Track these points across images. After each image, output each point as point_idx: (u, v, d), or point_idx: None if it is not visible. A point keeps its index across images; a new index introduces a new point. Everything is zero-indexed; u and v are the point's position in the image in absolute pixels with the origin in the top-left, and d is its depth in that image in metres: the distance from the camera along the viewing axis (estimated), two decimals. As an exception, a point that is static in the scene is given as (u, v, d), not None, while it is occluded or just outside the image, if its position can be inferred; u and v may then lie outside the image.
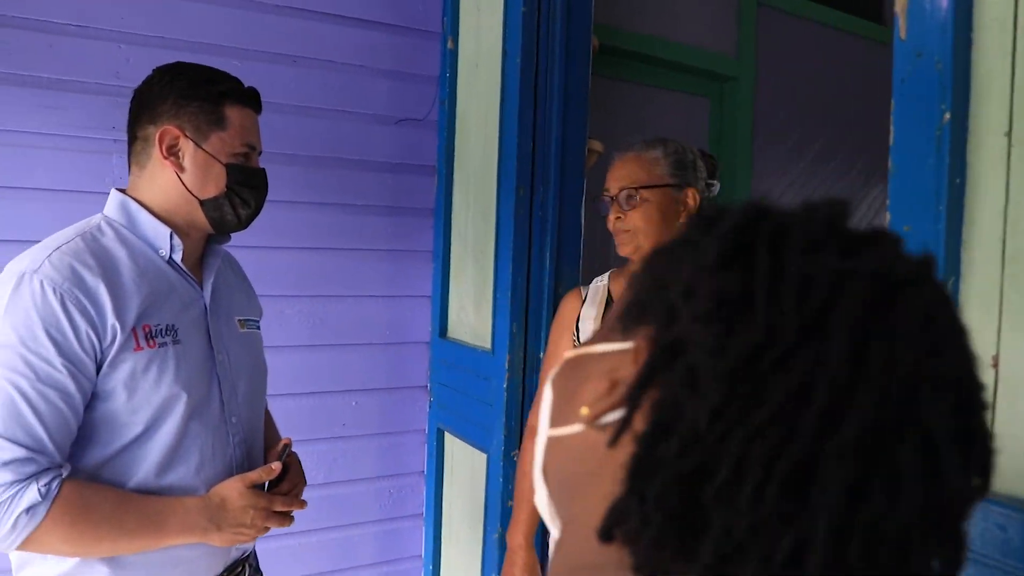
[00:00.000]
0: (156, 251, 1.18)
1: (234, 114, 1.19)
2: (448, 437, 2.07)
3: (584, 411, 0.47)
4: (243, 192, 1.22)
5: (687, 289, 0.41)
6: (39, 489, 0.98)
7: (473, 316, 1.96)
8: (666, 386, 0.40)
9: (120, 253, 1.13)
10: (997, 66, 0.81)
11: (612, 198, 1.47)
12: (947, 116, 0.83)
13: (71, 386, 1.03)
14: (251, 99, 1.23)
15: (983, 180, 0.82)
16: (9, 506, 0.96)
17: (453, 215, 2.07)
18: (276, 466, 1.21)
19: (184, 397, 1.13)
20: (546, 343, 1.75)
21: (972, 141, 0.83)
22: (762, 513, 0.35)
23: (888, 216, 0.89)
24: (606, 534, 0.42)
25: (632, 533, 0.41)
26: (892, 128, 0.89)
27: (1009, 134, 0.80)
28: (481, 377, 1.85)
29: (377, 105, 2.26)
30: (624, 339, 0.47)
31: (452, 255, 2.07)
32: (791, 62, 3.03)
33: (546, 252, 1.76)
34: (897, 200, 0.87)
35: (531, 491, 1.56)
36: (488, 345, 1.85)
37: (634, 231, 1.45)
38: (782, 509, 0.35)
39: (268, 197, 1.89)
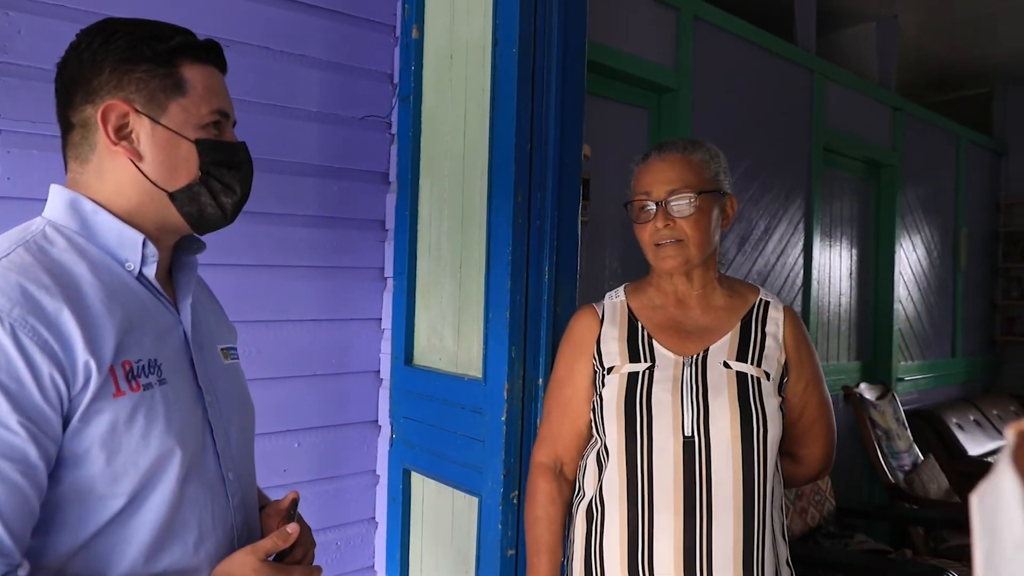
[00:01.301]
0: (121, 264, 0.89)
1: (194, 74, 0.92)
2: (417, 479, 1.81)
3: None
4: (223, 175, 0.95)
5: None
6: None
7: (451, 341, 1.72)
8: None
9: (79, 268, 0.85)
10: None
11: (657, 203, 1.31)
12: None
13: (31, 453, 0.74)
14: (213, 54, 0.95)
15: None
16: None
17: (419, 227, 1.82)
18: (293, 528, 0.93)
19: (178, 453, 0.86)
20: (546, 368, 1.56)
21: None
22: None
23: None
24: None
25: None
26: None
27: None
28: (467, 409, 1.62)
29: (317, 101, 1.99)
30: None
31: (419, 273, 1.82)
32: (724, 77, 3.04)
33: (544, 266, 1.57)
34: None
35: (551, 537, 1.36)
36: (476, 373, 1.63)
37: (685, 242, 1.29)
38: None
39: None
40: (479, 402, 1.59)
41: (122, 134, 0.88)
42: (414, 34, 1.82)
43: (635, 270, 2.80)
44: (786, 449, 1.35)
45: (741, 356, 1.30)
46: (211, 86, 0.94)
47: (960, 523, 3.08)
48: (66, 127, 0.92)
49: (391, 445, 1.87)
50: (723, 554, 1.22)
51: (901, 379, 4.09)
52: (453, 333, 1.72)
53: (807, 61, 3.46)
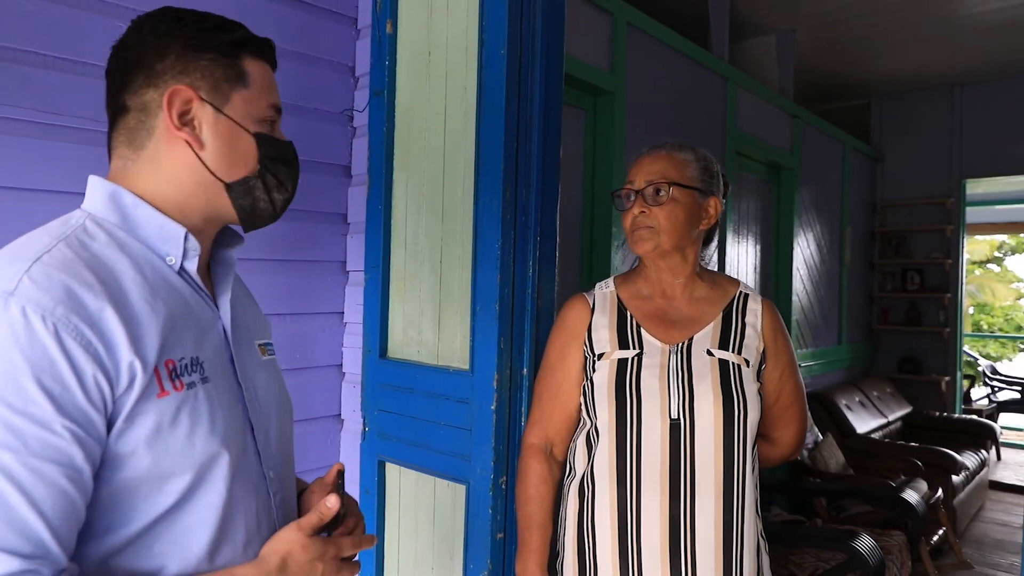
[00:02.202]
0: (162, 258, 0.89)
1: (254, 68, 0.93)
2: (393, 469, 1.83)
3: None
4: (279, 170, 0.96)
5: None
6: None
7: (431, 334, 1.76)
8: None
9: (121, 263, 0.83)
10: None
11: (637, 192, 1.42)
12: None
13: (76, 456, 0.73)
14: (270, 51, 0.97)
15: None
16: None
17: (394, 222, 1.84)
18: (334, 500, 0.92)
19: (225, 454, 0.86)
20: (531, 359, 1.63)
21: None
22: None
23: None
24: None
25: None
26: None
27: None
28: (452, 400, 1.67)
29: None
30: None
31: (393, 266, 1.84)
32: (652, 82, 3.20)
33: (529, 260, 1.63)
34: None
35: (543, 514, 1.43)
36: (461, 364, 1.67)
37: (657, 228, 1.40)
38: None
39: None
40: (466, 392, 1.64)
41: (185, 120, 0.88)
42: (388, 29, 1.83)
43: (567, 266, 2.92)
44: (762, 431, 1.48)
45: (723, 344, 1.42)
46: (268, 81, 0.95)
47: (856, 493, 3.41)
48: (120, 111, 0.89)
49: (363, 438, 1.88)
50: (706, 528, 1.34)
51: (799, 365, 4.44)
52: (433, 326, 1.76)
53: (723, 70, 3.69)
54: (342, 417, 2.11)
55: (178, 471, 0.80)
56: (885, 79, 5.44)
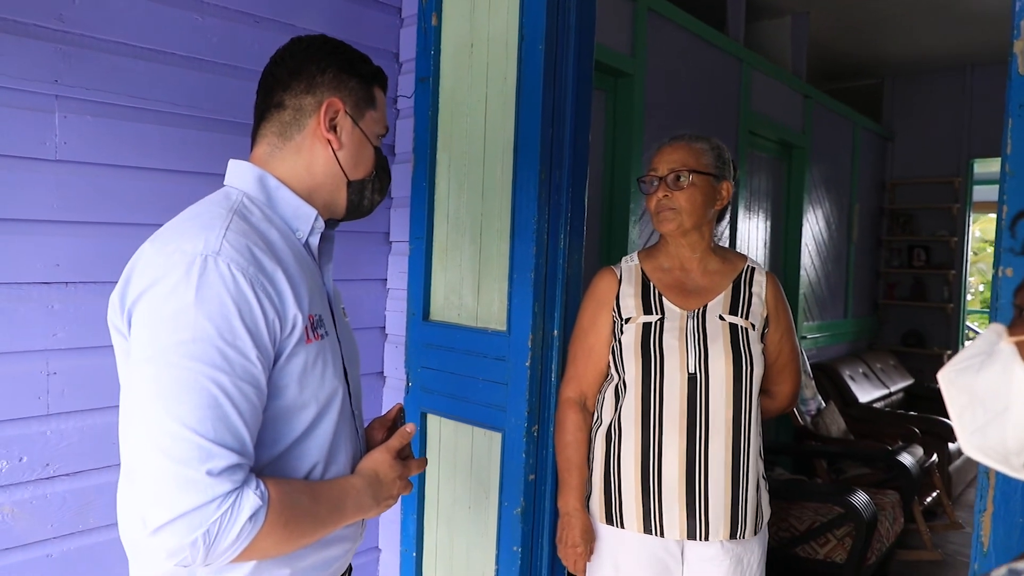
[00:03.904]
0: (292, 232, 1.10)
1: (380, 97, 1.17)
2: (433, 419, 2.05)
3: None
4: (383, 178, 1.20)
5: None
6: (256, 493, 0.90)
7: (471, 299, 1.97)
8: None
9: (272, 234, 1.04)
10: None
11: (661, 178, 1.61)
12: (1065, 137, 1.08)
13: (263, 380, 0.95)
14: (387, 84, 1.20)
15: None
16: (232, 516, 0.87)
17: (436, 198, 2.04)
18: (412, 427, 1.20)
19: (340, 391, 1.09)
20: (562, 321, 1.83)
21: (1076, 158, 1.09)
22: None
23: (1006, 208, 1.12)
24: None
25: None
26: (1010, 141, 1.12)
27: (1107, 154, 1.07)
28: (490, 358, 1.88)
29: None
30: None
31: (435, 238, 2.04)
32: (670, 64, 3.35)
33: (560, 234, 1.83)
34: (1013, 197, 1.11)
35: (580, 457, 1.65)
36: (498, 326, 1.88)
37: (679, 210, 1.60)
38: None
39: (209, 170, 1.83)
40: (503, 351, 1.85)
41: (331, 125, 1.08)
42: (433, 22, 2.01)
43: (588, 238, 3.10)
44: (763, 386, 1.69)
45: (733, 311, 1.62)
46: (385, 109, 1.18)
47: (855, 456, 3.62)
48: (276, 106, 1.09)
49: (407, 392, 2.10)
50: (716, 466, 1.55)
51: (804, 337, 4.64)
52: (472, 292, 1.96)
53: (738, 52, 3.83)
54: (385, 374, 2.33)
55: (311, 403, 1.02)
56: (898, 60, 5.55)
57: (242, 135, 1.89)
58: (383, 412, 2.31)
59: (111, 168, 1.69)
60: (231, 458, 0.88)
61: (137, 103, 1.73)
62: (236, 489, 0.88)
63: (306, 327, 1.01)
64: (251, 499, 0.89)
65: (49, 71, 1.61)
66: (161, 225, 1.69)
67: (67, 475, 1.64)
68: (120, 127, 1.70)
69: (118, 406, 1.68)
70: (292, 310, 0.98)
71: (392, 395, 2.31)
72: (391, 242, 2.32)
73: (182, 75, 1.80)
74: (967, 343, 6.07)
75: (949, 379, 0.72)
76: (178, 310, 0.88)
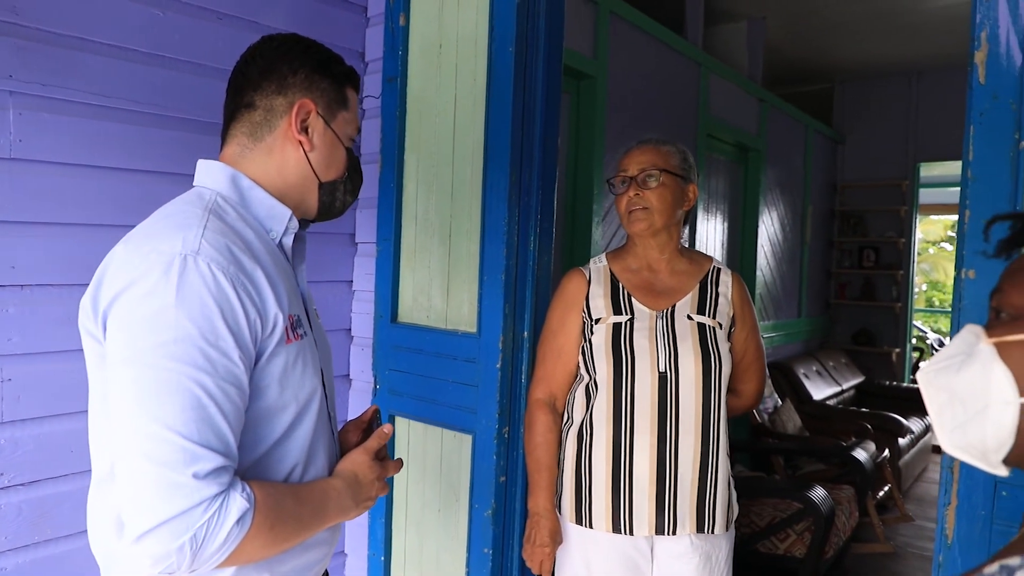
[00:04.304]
0: (266, 232, 1.08)
1: (351, 97, 1.15)
2: (402, 422, 2.03)
3: None
4: (355, 179, 1.19)
5: None
6: (243, 496, 0.89)
7: (440, 300, 1.96)
8: None
9: (248, 234, 1.03)
10: (1052, 110, 1.12)
11: (631, 178, 1.63)
12: (1022, 144, 1.12)
13: (245, 381, 0.94)
14: (358, 83, 1.18)
15: (1040, 192, 1.13)
16: (219, 520, 0.85)
17: (404, 199, 2.02)
18: (388, 428, 1.19)
19: (319, 392, 1.09)
20: (531, 323, 1.84)
21: (1032, 163, 1.13)
22: None
23: (968, 212, 1.17)
24: None
25: None
26: (971, 149, 1.16)
27: (1060, 160, 1.12)
28: (461, 360, 1.87)
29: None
30: None
31: (403, 239, 2.03)
32: (631, 68, 3.39)
33: (530, 236, 1.83)
34: (975, 201, 1.15)
35: (550, 458, 1.65)
36: (469, 328, 1.87)
37: (650, 209, 1.62)
38: None
39: (170, 170, 1.79)
40: (473, 353, 1.84)
41: (302, 126, 1.06)
42: (401, 21, 1.99)
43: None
44: (729, 385, 1.71)
45: (700, 310, 1.65)
46: (357, 110, 1.16)
47: (811, 452, 3.71)
48: (247, 106, 1.06)
49: (375, 395, 2.08)
50: (686, 463, 1.57)
51: (761, 336, 4.73)
52: (442, 293, 1.95)
53: (697, 56, 3.90)
54: (351, 377, 2.31)
55: (291, 404, 1.01)
56: (848, 66, 5.71)
57: (205, 134, 1.85)
58: (349, 416, 2.29)
59: (69, 167, 1.64)
60: (217, 460, 0.87)
61: (96, 100, 1.68)
62: (223, 492, 0.86)
63: (286, 327, 1.00)
64: (238, 502, 0.87)
65: (2, 66, 1.55)
66: (122, 226, 1.65)
67: (23, 485, 1.58)
68: (78, 124, 1.65)
69: (77, 413, 1.64)
70: (273, 309, 0.97)
71: (358, 398, 2.29)
72: (357, 243, 2.29)
73: (143, 72, 1.75)
74: (915, 340, 6.21)
75: (928, 378, 0.74)
76: (158, 310, 0.86)
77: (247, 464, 0.98)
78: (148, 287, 0.87)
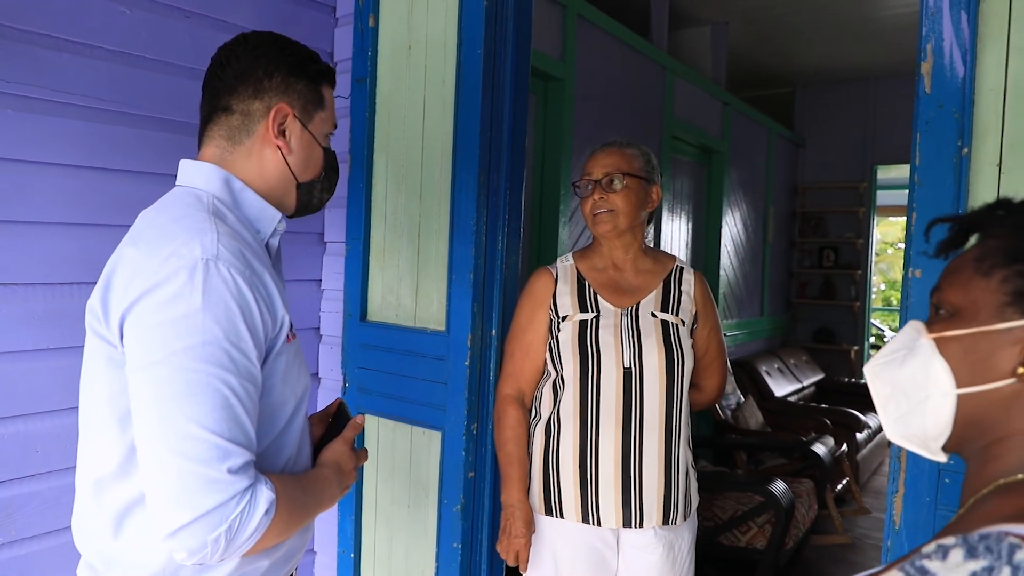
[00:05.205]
0: (255, 233, 1.10)
1: (328, 95, 1.17)
2: (371, 420, 2.05)
3: (1021, 371, 0.68)
4: (331, 177, 1.21)
5: None
6: (268, 487, 0.93)
7: (408, 299, 1.98)
8: None
9: (246, 235, 1.06)
10: (991, 119, 1.19)
11: (596, 182, 1.67)
12: (964, 151, 1.19)
13: (260, 379, 0.98)
14: (334, 79, 1.20)
15: (981, 197, 1.19)
16: (250, 510, 0.90)
17: (374, 199, 2.04)
18: (361, 418, 1.24)
19: (308, 390, 1.14)
20: (499, 321, 1.87)
21: (973, 169, 1.20)
22: None
23: (915, 215, 1.23)
24: None
25: None
26: (918, 155, 1.23)
27: (999, 165, 1.18)
28: (430, 357, 1.90)
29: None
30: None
31: (373, 239, 2.04)
32: (598, 70, 3.44)
33: (499, 235, 1.86)
34: (921, 204, 1.22)
35: (520, 451, 1.69)
36: (437, 326, 1.90)
37: (615, 211, 1.66)
38: None
39: (136, 168, 1.79)
40: (442, 351, 1.87)
41: (280, 130, 1.08)
42: (370, 23, 2.01)
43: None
44: (692, 380, 1.77)
45: (664, 308, 1.69)
46: (333, 107, 1.18)
47: (772, 447, 3.80)
48: (224, 109, 1.07)
49: (344, 393, 2.09)
50: (650, 456, 1.62)
51: (724, 334, 4.83)
52: (411, 292, 1.97)
53: (662, 59, 3.96)
54: (320, 376, 2.31)
55: (290, 400, 1.05)
56: (808, 71, 5.85)
57: (173, 132, 1.85)
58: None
59: (33, 164, 1.63)
60: (245, 455, 0.91)
61: (61, 97, 1.67)
62: (252, 484, 0.91)
63: (289, 326, 1.04)
64: (265, 493, 0.92)
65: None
66: (88, 224, 1.65)
67: (-13, 486, 1.57)
68: (43, 122, 1.64)
69: (43, 413, 1.63)
70: (281, 311, 1.01)
71: (328, 396, 2.30)
72: (326, 242, 2.30)
73: (109, 69, 1.74)
74: (873, 338, 6.37)
75: (875, 372, 0.79)
76: (186, 314, 0.89)
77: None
78: (173, 291, 0.90)
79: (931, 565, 0.55)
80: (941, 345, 0.73)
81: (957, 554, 0.54)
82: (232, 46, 1.10)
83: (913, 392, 0.75)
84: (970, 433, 0.73)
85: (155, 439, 0.89)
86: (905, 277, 1.22)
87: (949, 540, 0.56)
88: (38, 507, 1.63)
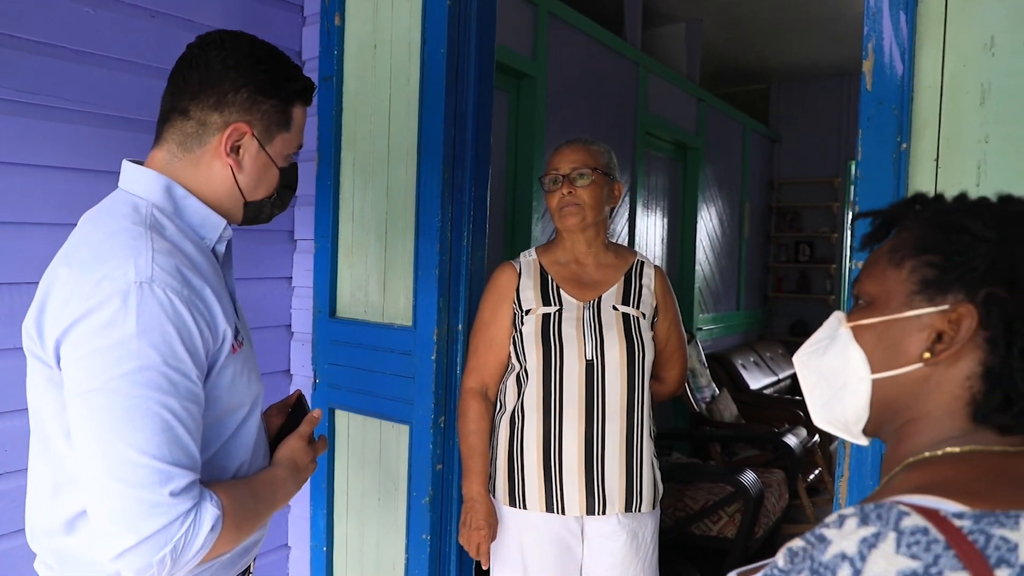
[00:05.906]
0: (200, 240, 1.08)
1: (298, 114, 1.12)
2: (342, 415, 2.07)
3: (927, 355, 0.71)
4: (285, 194, 1.18)
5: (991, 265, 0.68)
6: (213, 504, 0.94)
7: (376, 295, 2.00)
8: (996, 324, 0.67)
9: (187, 246, 1.03)
10: (929, 116, 1.23)
11: (563, 176, 1.71)
12: (904, 146, 1.23)
13: (202, 396, 0.98)
14: (312, 96, 1.15)
15: (919, 191, 1.23)
16: (195, 530, 0.91)
17: (341, 196, 2.06)
18: (318, 413, 1.25)
19: (261, 393, 1.15)
20: (465, 316, 1.90)
21: (912, 164, 1.24)
22: None
23: (857, 208, 1.27)
24: (984, 418, 0.68)
25: (1001, 410, 0.68)
26: (860, 150, 1.27)
27: (937, 160, 1.23)
28: (397, 352, 1.92)
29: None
30: (931, 305, 0.72)
31: (341, 236, 2.06)
32: (570, 67, 3.47)
33: (464, 232, 1.89)
34: (863, 198, 1.26)
35: (483, 444, 1.72)
36: (404, 321, 1.92)
37: (582, 205, 1.70)
38: None
39: (101, 167, 1.79)
40: (409, 346, 1.89)
41: (233, 147, 1.05)
42: (336, 21, 2.03)
43: (492, 235, 3.18)
44: (653, 373, 1.80)
45: (625, 301, 1.73)
46: (303, 125, 1.14)
47: (746, 439, 3.86)
48: (181, 112, 1.04)
49: (314, 389, 2.11)
50: (612, 446, 1.66)
51: (700, 329, 4.89)
52: (379, 289, 2.00)
53: (635, 56, 4.00)
54: (291, 372, 2.33)
55: (238, 408, 1.06)
56: (782, 67, 5.91)
57: (137, 131, 1.86)
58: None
59: (-3, 165, 1.64)
60: (188, 476, 0.92)
61: (24, 97, 1.67)
62: (196, 504, 0.92)
63: (232, 338, 1.03)
64: (210, 511, 0.93)
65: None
66: (52, 224, 1.64)
67: (-47, 484, 1.57)
68: (5, 122, 1.65)
69: (8, 412, 1.63)
70: (222, 325, 1.00)
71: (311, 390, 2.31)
72: (296, 240, 2.32)
73: (73, 69, 1.75)
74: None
75: (802, 361, 0.83)
76: (120, 341, 0.89)
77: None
78: (107, 317, 0.89)
79: (828, 532, 0.59)
80: (857, 333, 0.77)
81: (852, 522, 0.58)
82: (206, 46, 1.05)
83: (833, 379, 0.79)
84: (886, 416, 0.76)
85: (96, 466, 0.89)
86: (849, 269, 1.26)
87: (849, 510, 0.60)
88: (6, 506, 1.64)
